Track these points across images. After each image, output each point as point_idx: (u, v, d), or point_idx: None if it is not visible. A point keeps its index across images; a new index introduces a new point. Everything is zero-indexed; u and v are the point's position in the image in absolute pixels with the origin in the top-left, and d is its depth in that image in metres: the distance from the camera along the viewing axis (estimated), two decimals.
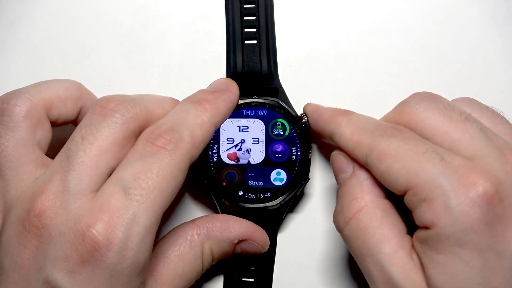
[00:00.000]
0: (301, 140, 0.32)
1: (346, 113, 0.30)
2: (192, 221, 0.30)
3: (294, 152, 0.32)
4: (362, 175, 0.28)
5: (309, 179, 0.32)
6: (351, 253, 0.28)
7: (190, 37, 0.36)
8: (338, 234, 0.34)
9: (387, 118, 0.29)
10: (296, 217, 0.35)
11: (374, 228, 0.27)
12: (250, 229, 0.31)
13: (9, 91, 0.29)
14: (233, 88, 0.31)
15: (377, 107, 0.35)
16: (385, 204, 0.27)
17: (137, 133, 0.27)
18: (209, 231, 0.30)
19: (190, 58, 0.36)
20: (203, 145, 0.28)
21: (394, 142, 0.26)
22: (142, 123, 0.27)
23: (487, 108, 0.29)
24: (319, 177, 0.35)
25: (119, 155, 0.26)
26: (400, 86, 0.35)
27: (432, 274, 0.25)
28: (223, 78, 0.32)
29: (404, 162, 0.25)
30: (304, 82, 0.35)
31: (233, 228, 0.30)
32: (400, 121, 0.28)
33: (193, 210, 0.35)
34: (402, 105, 0.28)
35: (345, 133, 0.28)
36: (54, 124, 0.29)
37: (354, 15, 0.36)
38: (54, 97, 0.29)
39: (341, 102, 0.35)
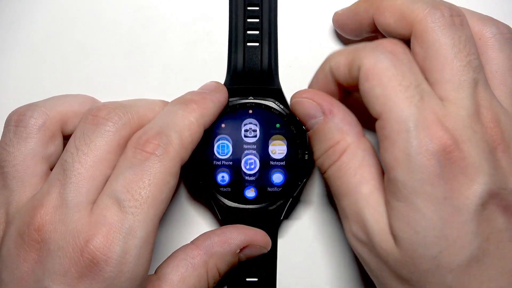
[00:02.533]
0: (298, 141, 0.32)
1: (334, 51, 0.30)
2: (192, 242, 0.30)
3: (291, 152, 0.32)
4: (337, 117, 0.28)
5: (306, 179, 0.32)
6: (332, 193, 0.29)
7: (190, 37, 0.36)
8: (338, 234, 0.34)
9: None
10: (297, 221, 0.35)
11: (355, 169, 0.27)
12: (248, 234, 0.31)
13: (26, 104, 0.29)
14: (222, 89, 0.31)
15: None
16: (366, 143, 0.28)
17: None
18: (209, 249, 0.30)
19: (190, 58, 0.36)
20: (193, 146, 0.28)
21: (384, 61, 0.26)
22: (134, 129, 0.27)
23: (505, 28, 0.29)
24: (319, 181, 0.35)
25: (114, 163, 0.27)
26: None
27: (393, 222, 0.25)
28: (212, 81, 0.32)
29: (386, 91, 0.25)
30: (304, 82, 0.35)
31: (232, 239, 0.30)
32: (405, 17, 0.28)
33: (191, 213, 0.35)
34: (414, 2, 0.28)
35: (340, 61, 0.28)
36: (69, 137, 0.29)
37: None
38: (69, 112, 0.29)
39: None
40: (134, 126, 0.28)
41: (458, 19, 0.27)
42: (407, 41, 0.28)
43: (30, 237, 0.25)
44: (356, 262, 0.34)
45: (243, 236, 0.30)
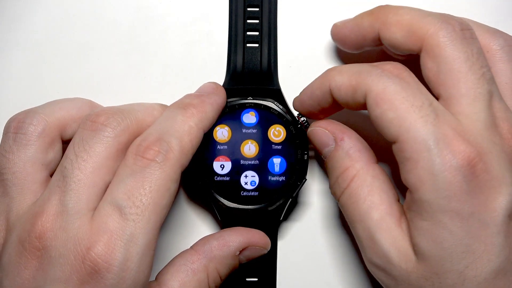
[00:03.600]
0: (297, 141, 0.32)
1: (332, 68, 0.29)
2: (191, 247, 0.30)
3: (291, 153, 0.32)
4: (346, 145, 0.28)
5: (305, 180, 0.32)
6: (347, 221, 0.29)
7: (190, 37, 0.36)
8: (339, 234, 0.34)
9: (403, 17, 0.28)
10: (297, 222, 0.35)
11: (364, 195, 0.27)
12: (247, 236, 0.31)
13: (24, 110, 0.29)
14: (220, 91, 0.31)
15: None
16: (375, 169, 0.28)
17: (129, 145, 0.27)
18: (209, 253, 0.29)
19: (190, 58, 0.36)
20: (193, 151, 0.28)
21: (392, 86, 0.26)
22: (133, 134, 0.27)
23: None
24: (318, 181, 0.35)
25: (113, 169, 0.27)
26: None
27: (417, 241, 0.25)
28: (210, 82, 0.32)
29: (399, 113, 0.25)
30: (304, 82, 0.35)
31: (231, 241, 0.30)
32: (415, 31, 0.27)
33: (191, 217, 0.35)
34: (423, 17, 0.28)
35: (342, 83, 0.28)
36: (68, 142, 0.29)
37: (354, 15, 0.36)
38: (68, 118, 0.29)
39: None
40: (133, 132, 0.28)
41: (469, 32, 0.27)
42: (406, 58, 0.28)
43: (31, 244, 0.25)
44: (356, 262, 0.34)
45: (242, 238, 0.30)
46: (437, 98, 0.27)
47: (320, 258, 0.34)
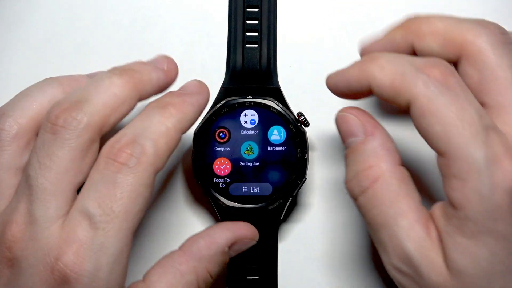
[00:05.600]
0: (297, 140, 0.32)
1: (372, 58, 0.27)
2: (179, 248, 0.29)
3: (290, 151, 0.32)
4: (376, 141, 0.26)
5: (306, 178, 0.32)
6: (366, 222, 0.27)
7: (190, 37, 0.36)
8: (340, 235, 0.34)
9: (433, 28, 0.27)
10: (298, 223, 0.35)
11: (391, 200, 0.25)
12: (234, 230, 0.30)
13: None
14: (204, 90, 0.29)
15: (377, 107, 0.35)
16: (402, 172, 0.26)
17: (96, 138, 0.26)
18: (196, 253, 0.28)
19: (190, 58, 0.36)
20: (169, 153, 0.27)
21: (440, 98, 0.24)
22: (97, 129, 0.26)
23: None
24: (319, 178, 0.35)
25: (81, 169, 0.26)
26: None
27: (453, 256, 0.24)
28: (195, 80, 0.30)
29: (448, 128, 0.24)
30: (304, 82, 0.35)
31: (218, 238, 0.29)
32: (452, 39, 0.26)
33: (188, 215, 0.35)
34: (459, 23, 0.26)
35: (384, 83, 0.26)
36: None
37: (354, 15, 0.36)
38: (41, 114, 0.27)
39: (341, 102, 0.35)
40: (96, 125, 0.26)
41: (508, 37, 0.26)
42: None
43: (2, 254, 0.25)
44: (357, 263, 0.34)
45: (229, 233, 0.29)
46: (482, 105, 0.26)
47: (321, 259, 0.34)
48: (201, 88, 0.29)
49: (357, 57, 0.35)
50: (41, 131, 0.26)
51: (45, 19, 0.36)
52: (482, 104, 0.26)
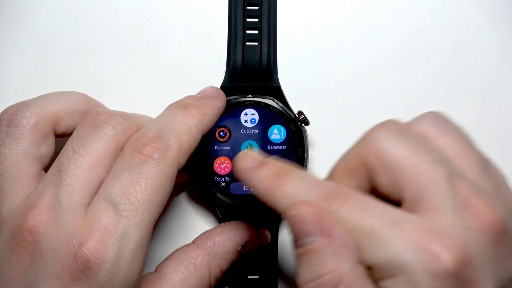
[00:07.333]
0: (297, 139, 0.32)
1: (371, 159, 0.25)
2: (193, 242, 0.30)
3: (290, 150, 0.32)
4: (337, 241, 0.23)
5: None
6: None
7: (190, 37, 0.36)
8: None
9: (350, 158, 0.26)
10: None
11: None
12: (248, 231, 0.30)
13: (17, 102, 0.28)
14: (221, 96, 0.31)
15: (377, 107, 0.35)
16: (362, 271, 0.24)
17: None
18: (211, 249, 0.29)
19: (190, 58, 0.36)
20: (190, 151, 0.27)
21: (351, 212, 0.23)
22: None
23: (456, 129, 0.26)
24: None
25: (110, 167, 0.26)
26: (400, 86, 0.35)
27: None
28: (211, 86, 0.32)
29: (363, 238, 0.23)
30: (304, 82, 0.35)
31: (233, 236, 0.30)
32: (365, 159, 0.25)
33: (190, 212, 0.35)
34: (366, 139, 0.26)
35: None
36: (61, 136, 0.29)
37: (354, 15, 0.36)
38: (62, 111, 0.29)
39: (341, 103, 0.35)
40: (133, 133, 0.27)
41: (403, 127, 0.25)
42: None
43: (23, 238, 0.25)
44: None
45: (244, 233, 0.30)
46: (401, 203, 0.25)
47: None
48: (218, 93, 0.31)
49: (357, 56, 0.35)
50: (80, 125, 0.27)
51: (45, 19, 0.36)
52: (400, 200, 0.24)
